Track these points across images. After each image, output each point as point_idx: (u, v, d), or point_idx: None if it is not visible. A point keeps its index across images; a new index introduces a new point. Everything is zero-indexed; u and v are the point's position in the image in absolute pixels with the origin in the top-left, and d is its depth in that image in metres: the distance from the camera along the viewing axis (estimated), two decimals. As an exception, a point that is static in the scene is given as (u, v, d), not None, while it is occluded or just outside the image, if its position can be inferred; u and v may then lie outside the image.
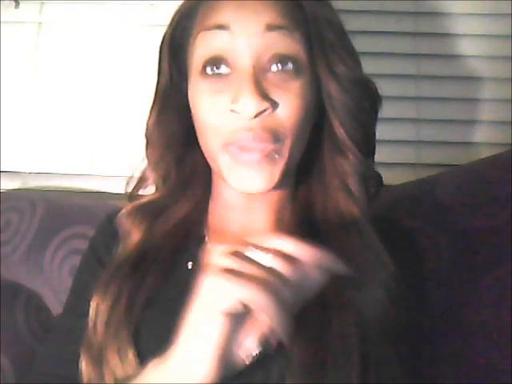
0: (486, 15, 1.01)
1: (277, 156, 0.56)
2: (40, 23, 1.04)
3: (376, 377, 0.52)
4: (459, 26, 1.01)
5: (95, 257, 0.66)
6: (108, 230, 0.68)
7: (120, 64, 1.03)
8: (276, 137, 0.55)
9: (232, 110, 0.55)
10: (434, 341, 0.65)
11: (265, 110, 0.54)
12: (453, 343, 0.65)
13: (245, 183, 0.56)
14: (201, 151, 0.62)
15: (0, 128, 1.01)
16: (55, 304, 0.81)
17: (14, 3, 1.03)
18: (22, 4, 1.04)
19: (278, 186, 0.58)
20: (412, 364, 0.58)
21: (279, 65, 0.56)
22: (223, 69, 0.56)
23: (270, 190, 0.57)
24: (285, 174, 0.58)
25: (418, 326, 0.61)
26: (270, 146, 0.55)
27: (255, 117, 0.54)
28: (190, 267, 0.59)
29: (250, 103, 0.53)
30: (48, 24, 1.04)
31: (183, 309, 0.56)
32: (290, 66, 0.56)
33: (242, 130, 0.55)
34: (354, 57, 0.61)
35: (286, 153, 0.56)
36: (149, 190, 0.66)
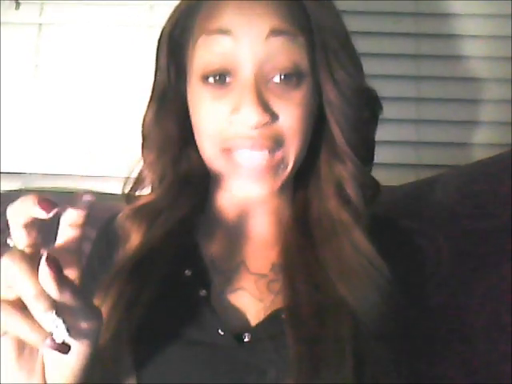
0: (486, 16, 1.01)
1: (282, 166, 0.56)
2: (40, 24, 1.04)
3: (372, 378, 0.52)
4: (460, 27, 1.01)
5: (91, 274, 0.65)
6: (102, 242, 0.68)
7: (120, 65, 1.03)
8: (276, 144, 0.55)
9: (232, 120, 0.55)
10: (433, 341, 0.65)
11: (265, 123, 0.54)
12: (453, 344, 0.65)
13: (244, 190, 0.56)
14: (197, 152, 0.62)
15: (0, 128, 1.01)
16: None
17: (14, 4, 1.03)
18: (22, 5, 1.04)
19: (277, 191, 0.58)
20: (411, 365, 0.58)
21: (282, 76, 0.55)
22: (226, 77, 0.56)
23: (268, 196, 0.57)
24: (284, 182, 0.58)
25: (417, 326, 0.61)
26: (271, 156, 0.55)
27: (255, 127, 0.54)
28: (187, 275, 0.59)
29: (251, 115, 0.53)
30: (48, 25, 1.04)
31: (181, 315, 0.56)
32: (292, 79, 0.56)
33: (241, 138, 0.55)
34: (356, 65, 0.60)
35: (290, 162, 0.57)
36: (146, 191, 0.66)
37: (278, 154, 0.56)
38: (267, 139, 0.55)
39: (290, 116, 0.55)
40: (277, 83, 0.55)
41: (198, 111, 0.58)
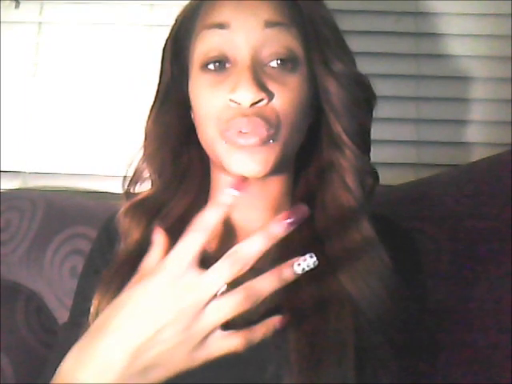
0: (486, 15, 1.01)
1: (271, 141, 0.56)
2: (40, 23, 1.04)
3: (372, 374, 0.52)
4: (459, 26, 1.01)
5: (92, 267, 0.67)
6: (104, 237, 0.68)
7: (120, 64, 1.03)
8: (270, 124, 0.56)
9: (231, 100, 0.56)
10: (433, 340, 0.65)
11: (261, 100, 0.55)
12: (453, 343, 0.65)
13: (242, 167, 0.56)
14: (197, 148, 0.63)
15: (0, 128, 1.01)
16: (55, 304, 0.81)
17: (14, 3, 1.03)
18: (22, 4, 1.04)
19: (276, 175, 0.59)
20: (411, 362, 0.58)
21: (277, 61, 0.57)
22: (224, 64, 0.58)
23: (268, 180, 0.58)
24: (281, 163, 0.58)
25: (417, 325, 0.61)
26: (264, 133, 0.55)
27: (251, 106, 0.55)
28: None
29: (248, 93, 0.54)
30: (48, 24, 1.04)
31: None
32: (287, 64, 0.57)
33: (238, 117, 0.55)
34: (348, 54, 0.62)
35: (281, 139, 0.57)
36: (145, 188, 0.66)
37: (273, 132, 0.56)
38: (261, 118, 0.55)
39: (285, 98, 0.57)
40: (273, 67, 0.57)
41: (198, 98, 0.59)
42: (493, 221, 0.68)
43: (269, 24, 0.57)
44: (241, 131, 0.55)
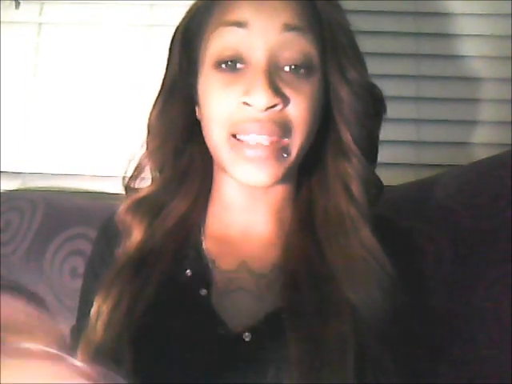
0: (486, 15, 1.01)
1: (285, 155, 0.56)
2: (40, 24, 1.04)
3: (373, 378, 0.52)
4: (460, 26, 1.01)
5: (93, 270, 0.67)
6: (103, 239, 0.68)
7: (120, 65, 1.03)
8: (284, 131, 0.56)
9: (244, 103, 0.55)
10: (433, 341, 0.65)
11: (275, 105, 0.55)
12: (453, 343, 0.65)
13: (248, 176, 0.56)
14: (200, 146, 0.62)
15: (0, 128, 1.01)
16: (55, 304, 0.81)
17: (14, 4, 1.03)
18: (22, 4, 1.04)
19: (280, 183, 0.59)
20: (411, 364, 0.58)
21: (292, 66, 0.56)
22: (237, 64, 0.57)
23: (272, 187, 0.58)
24: (288, 172, 0.58)
25: (417, 326, 0.61)
26: (278, 142, 0.55)
27: (265, 110, 0.54)
28: (188, 274, 0.59)
29: (263, 96, 0.53)
30: (48, 25, 1.04)
31: (182, 315, 0.56)
32: (302, 70, 0.57)
33: (250, 121, 0.55)
34: (362, 62, 0.61)
35: (294, 151, 0.57)
36: (145, 184, 0.65)
37: (284, 141, 0.56)
38: (275, 124, 0.55)
39: (299, 104, 0.56)
40: (288, 73, 0.56)
41: (209, 97, 0.58)
42: (493, 221, 0.68)
43: (287, 28, 0.56)
44: (249, 140, 0.55)
